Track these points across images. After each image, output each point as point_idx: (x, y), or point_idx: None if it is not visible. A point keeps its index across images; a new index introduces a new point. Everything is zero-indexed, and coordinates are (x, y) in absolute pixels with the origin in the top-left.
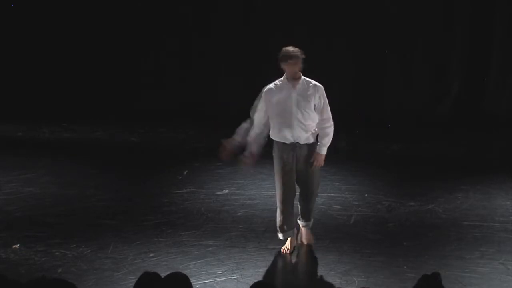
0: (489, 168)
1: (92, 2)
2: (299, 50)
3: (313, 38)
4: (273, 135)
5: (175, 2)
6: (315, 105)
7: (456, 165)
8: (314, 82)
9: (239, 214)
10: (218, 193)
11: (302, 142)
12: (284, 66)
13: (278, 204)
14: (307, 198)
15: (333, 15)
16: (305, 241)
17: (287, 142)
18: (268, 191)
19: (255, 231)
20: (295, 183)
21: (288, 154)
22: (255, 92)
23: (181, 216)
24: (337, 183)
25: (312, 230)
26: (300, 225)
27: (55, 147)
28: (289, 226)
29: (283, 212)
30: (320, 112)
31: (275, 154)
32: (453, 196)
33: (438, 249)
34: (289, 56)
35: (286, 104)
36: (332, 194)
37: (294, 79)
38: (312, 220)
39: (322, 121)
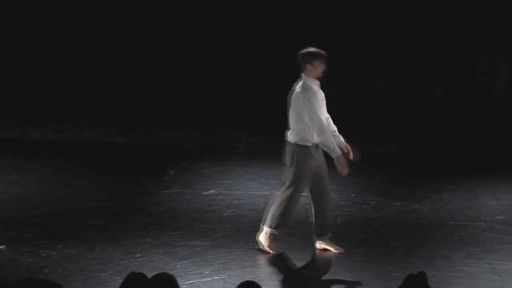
0: (475, 168)
1: (92, 2)
2: (310, 50)
3: (313, 38)
4: (306, 140)
5: (175, 2)
6: None
7: (442, 165)
8: None
9: (225, 214)
10: (205, 193)
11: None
12: (318, 65)
13: (288, 204)
14: (327, 197)
15: (333, 15)
16: (340, 250)
17: (313, 144)
18: (255, 191)
19: (241, 231)
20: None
21: (314, 157)
22: (255, 92)
23: (167, 216)
24: None
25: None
26: (324, 240)
27: (44, 148)
28: (287, 224)
29: (290, 212)
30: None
31: (302, 159)
32: (439, 196)
33: (425, 248)
34: (326, 56)
35: (323, 107)
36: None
37: (318, 79)
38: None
39: (328, 118)
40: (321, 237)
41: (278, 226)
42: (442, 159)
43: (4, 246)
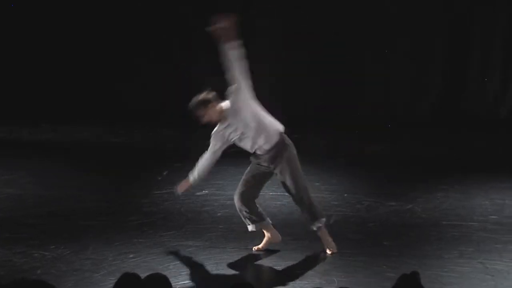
0: (468, 168)
1: (91, 1)
2: (197, 101)
3: (313, 37)
4: None
5: (175, 2)
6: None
7: (435, 165)
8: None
9: (219, 214)
10: (198, 193)
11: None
12: None
13: None
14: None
15: (332, 15)
16: (333, 250)
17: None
18: None
19: (235, 231)
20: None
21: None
22: (255, 93)
23: (161, 217)
24: (317, 183)
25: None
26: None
27: (40, 148)
28: (258, 217)
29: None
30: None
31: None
32: (432, 195)
33: (419, 248)
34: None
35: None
36: (311, 194)
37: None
38: (318, 219)
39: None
40: (316, 221)
41: (250, 220)
42: (435, 159)
43: None
